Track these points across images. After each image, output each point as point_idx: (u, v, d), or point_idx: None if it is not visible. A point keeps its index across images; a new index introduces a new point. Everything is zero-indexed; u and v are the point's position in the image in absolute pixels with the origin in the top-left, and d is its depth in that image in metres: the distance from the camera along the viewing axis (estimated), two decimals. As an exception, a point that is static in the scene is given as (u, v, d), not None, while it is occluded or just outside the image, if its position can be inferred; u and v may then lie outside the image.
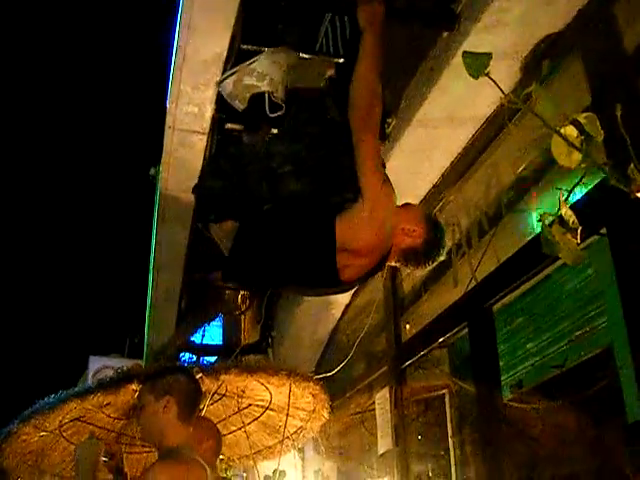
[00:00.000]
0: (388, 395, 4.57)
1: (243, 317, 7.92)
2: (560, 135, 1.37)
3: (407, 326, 4.60)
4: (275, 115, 2.80)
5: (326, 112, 2.57)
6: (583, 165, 1.38)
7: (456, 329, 3.78)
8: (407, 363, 4.47)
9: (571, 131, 1.38)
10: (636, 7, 2.53)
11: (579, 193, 2.39)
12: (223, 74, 3.24)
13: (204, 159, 4.08)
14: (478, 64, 1.41)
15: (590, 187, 2.44)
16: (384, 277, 4.52)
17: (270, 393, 4.17)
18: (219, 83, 3.02)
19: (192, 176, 4.17)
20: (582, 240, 1.45)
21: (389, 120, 3.32)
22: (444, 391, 4.40)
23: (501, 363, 3.44)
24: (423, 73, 3.38)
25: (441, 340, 3.98)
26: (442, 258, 2.45)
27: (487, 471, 3.30)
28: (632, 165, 1.34)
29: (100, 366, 8.69)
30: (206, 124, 3.87)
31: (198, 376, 3.23)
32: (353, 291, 4.92)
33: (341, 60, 3.20)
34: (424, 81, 3.35)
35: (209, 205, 2.61)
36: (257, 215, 2.43)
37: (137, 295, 8.52)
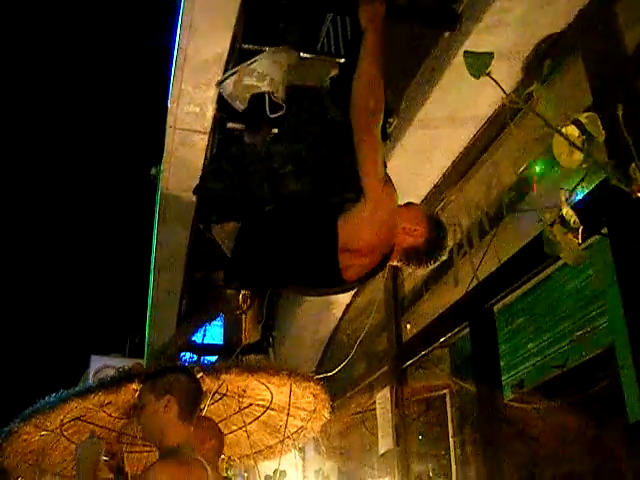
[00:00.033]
0: (389, 395, 4.57)
1: (244, 317, 7.91)
2: (561, 135, 1.37)
3: (408, 326, 4.60)
4: (276, 115, 2.80)
5: (326, 112, 2.56)
6: (584, 165, 1.39)
7: (457, 329, 3.78)
8: (408, 363, 4.47)
9: (572, 131, 1.38)
10: (637, 7, 2.53)
11: (580, 193, 2.39)
12: (224, 74, 3.24)
13: (205, 158, 4.08)
14: (479, 64, 1.40)
15: (591, 187, 2.44)
16: (385, 277, 4.53)
17: (271, 393, 4.17)
18: (219, 84, 3.01)
19: (193, 175, 4.17)
20: (583, 240, 1.46)
21: (390, 120, 3.31)
22: (445, 391, 4.41)
23: (502, 363, 3.44)
24: (424, 73, 3.38)
25: (442, 340, 3.98)
26: (444, 257, 2.45)
27: (488, 471, 3.30)
28: (633, 165, 1.34)
29: (101, 365, 8.70)
30: (207, 124, 3.87)
31: (199, 375, 3.23)
32: (354, 291, 4.92)
33: (342, 60, 3.20)
34: (425, 81, 3.35)
35: (210, 206, 2.61)
36: (259, 216, 2.43)
37: (138, 295, 8.53)
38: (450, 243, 2.53)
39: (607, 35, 2.62)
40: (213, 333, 8.67)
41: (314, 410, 4.33)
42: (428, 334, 4.17)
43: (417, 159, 3.80)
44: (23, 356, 21.55)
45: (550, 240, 1.43)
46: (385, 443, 4.59)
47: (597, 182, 2.41)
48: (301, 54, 3.09)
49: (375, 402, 4.85)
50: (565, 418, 3.27)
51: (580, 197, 2.43)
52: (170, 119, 3.93)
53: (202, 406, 3.50)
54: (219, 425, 3.71)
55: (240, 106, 2.93)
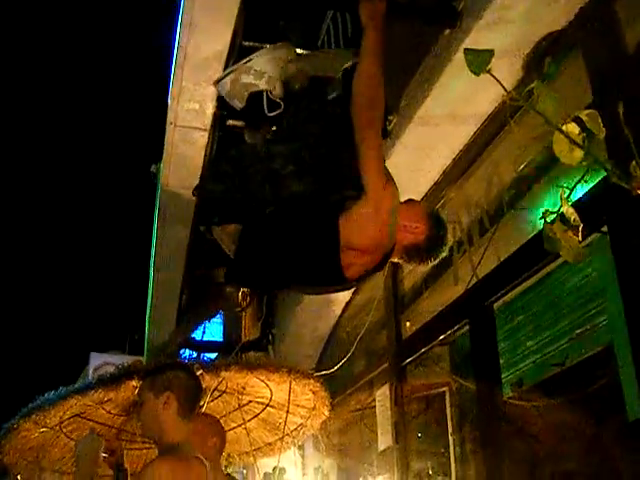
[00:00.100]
0: (388, 392, 4.57)
1: (244, 314, 7.91)
2: (562, 132, 1.37)
3: (408, 323, 4.60)
4: (274, 114, 2.79)
5: (327, 107, 2.56)
6: (584, 162, 1.38)
7: (457, 326, 3.78)
8: (407, 360, 4.47)
9: (573, 128, 1.38)
10: (637, 5, 2.53)
11: (580, 191, 2.38)
12: (224, 71, 3.24)
13: (205, 156, 4.08)
14: (480, 61, 1.40)
15: (591, 185, 2.44)
16: (385, 274, 4.52)
17: (270, 390, 4.17)
18: (217, 82, 3.00)
19: (193, 173, 4.18)
20: (583, 238, 1.45)
21: (390, 117, 3.31)
22: (444, 389, 4.41)
23: (501, 361, 3.44)
24: (425, 70, 3.37)
25: (442, 337, 3.98)
26: (444, 254, 2.45)
27: (487, 469, 3.30)
28: (634, 162, 1.34)
29: (101, 362, 8.71)
30: (207, 121, 3.87)
31: (198, 373, 3.23)
32: (354, 288, 4.92)
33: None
34: (425, 78, 3.35)
35: (211, 208, 2.61)
36: (261, 217, 2.43)
37: (138, 292, 8.53)
38: (450, 241, 2.53)
39: (607, 33, 2.62)
40: (213, 330, 8.68)
41: (313, 407, 4.34)
42: (428, 332, 4.17)
43: (417, 156, 3.80)
44: (23, 353, 21.57)
45: (550, 238, 1.43)
46: (384, 440, 4.59)
47: (597, 180, 2.41)
48: (298, 51, 3.09)
49: (374, 399, 4.85)
50: (564, 416, 3.27)
51: (580, 195, 2.42)
52: (170, 116, 3.93)
53: (201, 403, 3.50)
54: (218, 422, 3.72)
55: (238, 104, 2.93)
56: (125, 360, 5.38)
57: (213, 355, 7.59)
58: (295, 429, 4.57)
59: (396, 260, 2.44)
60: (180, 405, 2.66)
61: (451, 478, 4.19)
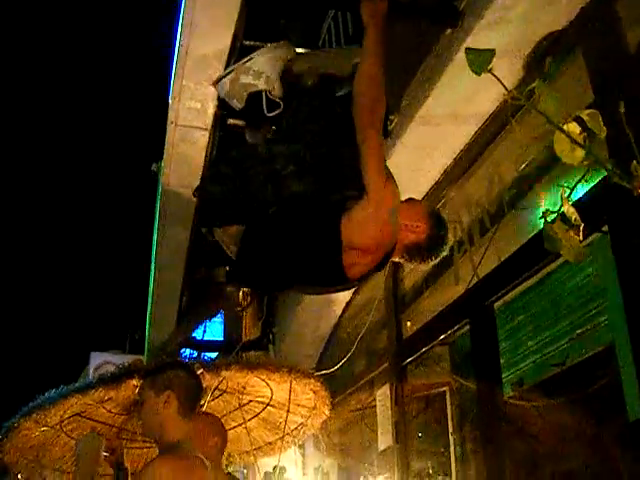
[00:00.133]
0: (389, 392, 4.57)
1: (244, 313, 7.91)
2: (563, 132, 1.37)
3: (408, 323, 4.61)
4: (273, 114, 2.79)
5: (328, 106, 2.56)
6: (585, 162, 1.38)
7: (457, 326, 3.78)
8: (408, 360, 4.47)
9: (574, 128, 1.38)
10: (638, 5, 2.53)
11: (581, 190, 2.39)
12: (225, 70, 3.24)
13: (206, 155, 4.08)
14: (481, 60, 1.40)
15: (592, 184, 2.44)
16: (385, 274, 4.52)
17: (271, 389, 4.17)
18: (215, 83, 2.99)
19: (194, 172, 4.19)
20: (584, 237, 1.45)
21: (391, 117, 3.31)
22: (445, 388, 4.41)
23: (502, 360, 3.44)
24: (426, 70, 3.37)
25: (442, 337, 3.98)
26: (445, 253, 2.45)
27: (487, 468, 3.30)
28: (635, 162, 1.34)
29: (101, 362, 8.72)
30: (208, 120, 3.87)
31: (199, 372, 3.23)
32: (354, 288, 4.92)
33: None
34: (427, 78, 3.35)
35: (212, 210, 2.61)
36: (262, 218, 2.43)
37: (138, 291, 8.54)
38: (450, 240, 2.54)
39: (608, 33, 2.62)
40: (213, 329, 8.68)
41: (314, 407, 4.34)
42: (428, 331, 4.17)
43: (418, 156, 3.79)
44: (23, 352, 21.58)
45: (551, 237, 1.42)
46: (385, 440, 4.59)
47: (598, 179, 2.41)
48: (296, 49, 3.08)
49: (375, 399, 4.85)
50: (565, 416, 3.27)
51: (581, 194, 2.42)
52: (171, 115, 3.93)
53: (202, 402, 3.50)
54: (219, 422, 3.72)
55: (238, 105, 2.92)
56: (125, 359, 5.40)
57: (214, 354, 7.59)
58: (295, 428, 4.57)
59: (397, 259, 2.44)
60: (180, 404, 2.66)
61: (451, 478, 4.20)
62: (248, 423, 4.44)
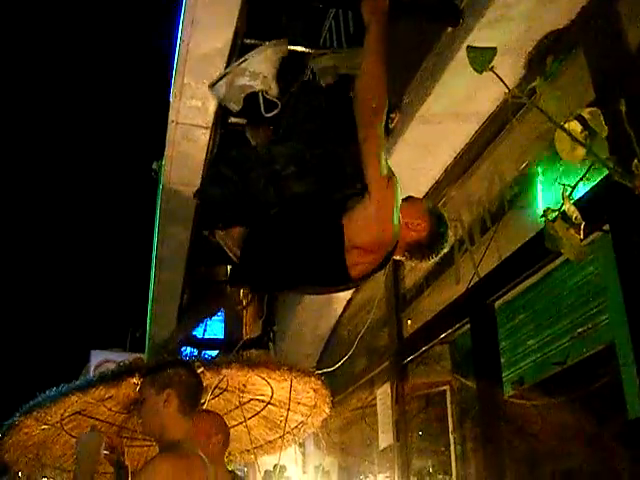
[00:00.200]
0: (389, 391, 4.58)
1: (245, 312, 7.92)
2: (564, 130, 1.37)
3: (409, 322, 4.60)
4: (271, 114, 2.78)
5: (329, 102, 2.56)
6: (586, 161, 1.38)
7: (458, 325, 3.78)
8: (409, 359, 4.47)
9: (575, 126, 1.38)
10: (639, 4, 2.53)
11: (582, 189, 2.38)
12: (224, 70, 3.24)
13: (207, 153, 4.08)
14: (482, 59, 1.40)
15: (593, 183, 2.44)
16: (385, 273, 4.52)
17: (271, 388, 4.17)
18: (212, 86, 2.98)
19: (195, 171, 4.19)
20: (585, 236, 1.45)
21: (392, 115, 3.30)
22: (445, 387, 4.40)
23: (502, 359, 3.44)
24: (427, 68, 3.37)
25: (443, 336, 3.98)
26: (446, 250, 2.45)
27: (488, 467, 3.30)
28: (636, 161, 1.34)
29: (102, 360, 8.73)
30: (209, 118, 3.87)
31: (199, 370, 3.23)
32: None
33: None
34: (428, 76, 3.35)
35: (214, 212, 2.60)
36: (264, 219, 2.43)
37: (139, 289, 8.54)
38: (451, 238, 2.54)
39: (609, 31, 2.62)
40: (214, 328, 8.69)
41: (314, 405, 4.33)
42: (429, 330, 4.17)
43: (419, 154, 3.79)
44: (24, 350, 21.60)
45: (552, 236, 1.42)
46: (385, 439, 4.59)
47: (599, 178, 2.41)
48: (289, 47, 3.07)
49: (375, 398, 4.85)
50: (565, 415, 3.27)
51: (582, 193, 2.42)
52: (172, 114, 3.93)
53: (202, 401, 3.50)
54: (221, 420, 3.72)
55: (235, 107, 2.90)
56: (126, 357, 5.40)
57: (214, 353, 7.59)
58: (296, 427, 4.56)
59: (398, 257, 2.44)
60: (181, 402, 2.66)
61: (452, 476, 4.20)
62: (248, 421, 4.43)
